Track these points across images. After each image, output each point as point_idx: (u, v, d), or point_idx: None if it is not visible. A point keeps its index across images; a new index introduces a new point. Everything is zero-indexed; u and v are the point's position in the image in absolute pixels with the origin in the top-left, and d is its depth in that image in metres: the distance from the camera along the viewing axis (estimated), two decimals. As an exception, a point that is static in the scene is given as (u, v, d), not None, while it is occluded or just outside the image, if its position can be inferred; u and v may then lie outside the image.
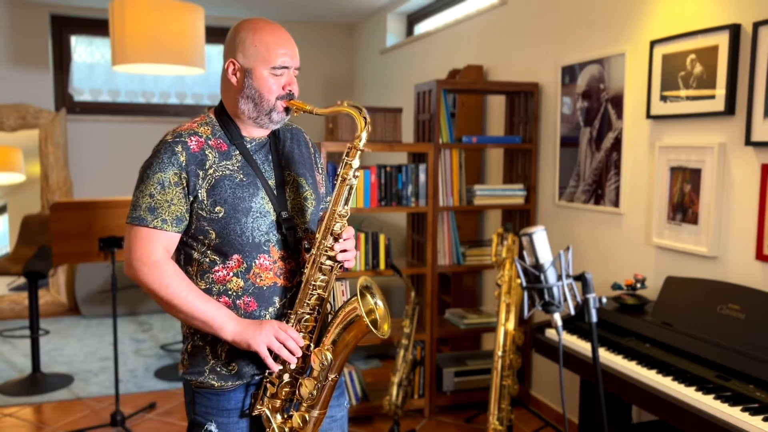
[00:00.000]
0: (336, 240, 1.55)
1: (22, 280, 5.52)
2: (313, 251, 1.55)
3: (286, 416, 1.59)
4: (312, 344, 1.57)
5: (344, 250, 1.56)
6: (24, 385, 3.93)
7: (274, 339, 1.51)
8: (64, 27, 6.02)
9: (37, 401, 3.75)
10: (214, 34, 5.95)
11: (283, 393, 1.57)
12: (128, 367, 4.29)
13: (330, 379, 1.57)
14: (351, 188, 1.55)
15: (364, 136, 1.55)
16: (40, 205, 5.66)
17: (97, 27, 5.98)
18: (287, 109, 1.61)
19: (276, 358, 1.54)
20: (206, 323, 1.53)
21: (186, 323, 1.59)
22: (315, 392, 1.55)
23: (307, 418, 1.57)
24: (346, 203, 1.56)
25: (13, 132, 5.57)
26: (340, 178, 1.55)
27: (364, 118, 1.56)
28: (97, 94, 6.18)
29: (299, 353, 1.55)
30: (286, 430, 1.58)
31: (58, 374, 4.13)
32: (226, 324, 1.52)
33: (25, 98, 5.69)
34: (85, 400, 3.78)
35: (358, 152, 1.55)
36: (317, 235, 1.55)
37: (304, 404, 1.57)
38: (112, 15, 3.63)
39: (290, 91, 1.60)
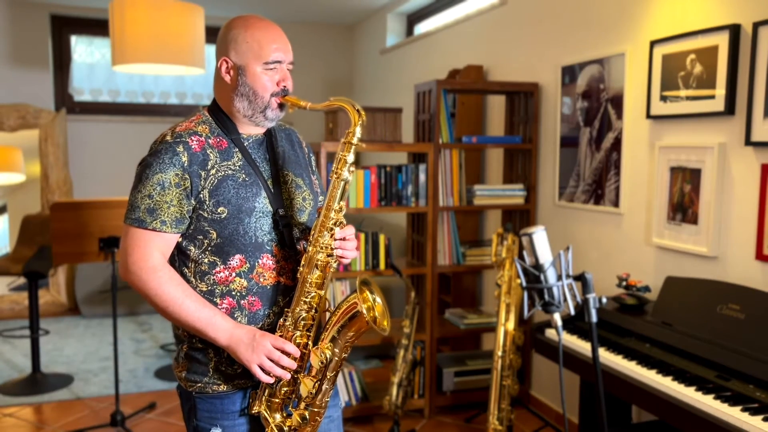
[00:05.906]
0: (332, 236, 1.54)
1: (22, 280, 5.52)
2: (310, 248, 1.53)
3: (285, 414, 1.58)
4: (310, 342, 1.56)
5: (342, 240, 1.55)
6: (24, 385, 3.93)
7: (266, 360, 1.49)
8: (64, 27, 6.02)
9: (37, 401, 3.75)
10: (214, 34, 5.89)
11: (282, 392, 1.56)
12: (128, 367, 4.29)
13: (329, 376, 1.56)
14: (346, 183, 1.54)
15: (358, 130, 1.54)
16: (40, 205, 5.66)
17: (97, 27, 5.98)
18: (282, 106, 1.60)
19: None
20: (200, 332, 1.51)
21: (183, 329, 1.58)
22: (314, 391, 1.55)
23: (307, 417, 1.57)
24: (341, 199, 1.54)
25: (13, 132, 5.57)
26: (334, 174, 1.53)
27: (358, 111, 1.54)
28: (97, 94, 6.18)
29: (294, 366, 1.52)
30: (285, 428, 1.57)
31: (58, 374, 4.13)
32: (220, 335, 1.50)
33: (25, 98, 5.69)
34: (85, 400, 3.78)
35: (353, 147, 1.54)
36: (313, 232, 1.54)
37: (303, 403, 1.56)
38: (112, 15, 3.62)
39: (284, 87, 1.59)
